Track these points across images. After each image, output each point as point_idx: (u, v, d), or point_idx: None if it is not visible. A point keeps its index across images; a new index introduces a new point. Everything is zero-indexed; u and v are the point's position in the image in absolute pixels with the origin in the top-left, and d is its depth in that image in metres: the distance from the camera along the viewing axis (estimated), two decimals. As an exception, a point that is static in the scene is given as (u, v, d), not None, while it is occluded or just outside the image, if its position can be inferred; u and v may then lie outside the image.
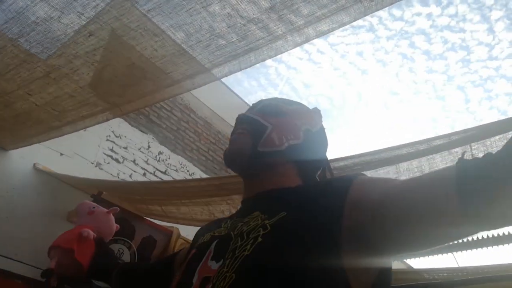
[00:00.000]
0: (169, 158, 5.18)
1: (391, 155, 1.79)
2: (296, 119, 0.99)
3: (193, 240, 1.09)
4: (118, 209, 1.50)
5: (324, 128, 1.08)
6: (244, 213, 0.88)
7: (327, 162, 1.08)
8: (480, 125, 1.82)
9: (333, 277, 0.67)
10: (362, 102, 22.63)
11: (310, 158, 0.98)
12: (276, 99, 1.06)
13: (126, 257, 4.04)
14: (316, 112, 1.07)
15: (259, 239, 0.70)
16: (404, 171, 2.00)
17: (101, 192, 3.75)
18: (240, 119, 1.01)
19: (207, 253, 0.82)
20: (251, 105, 1.09)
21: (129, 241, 4.05)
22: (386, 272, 0.74)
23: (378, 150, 1.85)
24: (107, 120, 2.36)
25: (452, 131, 1.87)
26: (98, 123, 2.45)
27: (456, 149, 1.95)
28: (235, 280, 0.67)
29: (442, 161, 1.98)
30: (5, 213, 3.68)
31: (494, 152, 0.58)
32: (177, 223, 3.97)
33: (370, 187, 0.72)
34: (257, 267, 0.67)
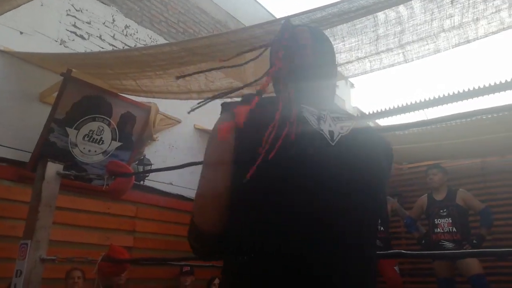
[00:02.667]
0: (137, 32, 4.92)
1: (369, 2, 1.71)
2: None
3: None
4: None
5: (278, 43, 1.05)
6: None
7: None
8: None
9: None
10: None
11: (283, 86, 1.01)
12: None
13: (107, 134, 4.09)
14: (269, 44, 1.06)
15: None
16: (382, 24, 1.94)
17: (71, 70, 3.61)
18: None
19: None
20: None
21: (108, 118, 4.05)
22: None
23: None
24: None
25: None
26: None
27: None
28: None
29: (421, 11, 1.91)
30: (-28, 98, 3.56)
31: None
32: (153, 97, 3.94)
33: None
34: None
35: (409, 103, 4.72)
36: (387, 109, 5.00)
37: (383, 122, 7.56)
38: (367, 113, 5.64)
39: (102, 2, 4.59)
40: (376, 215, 0.99)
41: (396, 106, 4.88)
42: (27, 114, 3.84)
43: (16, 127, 3.76)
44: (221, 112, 0.99)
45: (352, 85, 9.73)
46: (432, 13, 1.84)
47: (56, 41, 4.13)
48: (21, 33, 3.91)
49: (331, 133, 0.95)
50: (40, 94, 3.98)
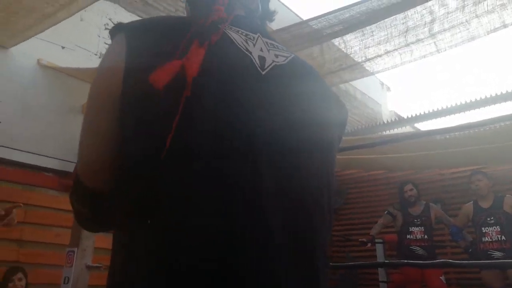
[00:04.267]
0: (172, 44, 5.04)
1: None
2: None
3: None
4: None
5: None
6: None
7: None
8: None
9: None
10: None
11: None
12: None
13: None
14: None
15: None
16: (412, 15, 1.86)
17: (110, 82, 3.73)
18: None
19: None
20: None
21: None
22: None
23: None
24: (101, -3, 2.22)
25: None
26: (93, 2, 2.33)
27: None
28: None
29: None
30: (20, 111, 3.75)
31: None
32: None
33: None
34: None
35: (448, 106, 4.56)
36: (426, 112, 4.85)
37: (422, 126, 7.33)
38: (405, 117, 5.48)
39: (138, 15, 4.75)
40: (325, 188, 0.65)
41: (435, 109, 4.74)
42: (70, 126, 4.01)
43: (61, 138, 3.93)
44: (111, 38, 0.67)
45: (388, 89, 9.48)
46: (464, -1, 1.75)
47: (96, 55, 4.30)
48: (63, 47, 4.11)
49: (262, 59, 0.66)
50: (83, 107, 4.14)
